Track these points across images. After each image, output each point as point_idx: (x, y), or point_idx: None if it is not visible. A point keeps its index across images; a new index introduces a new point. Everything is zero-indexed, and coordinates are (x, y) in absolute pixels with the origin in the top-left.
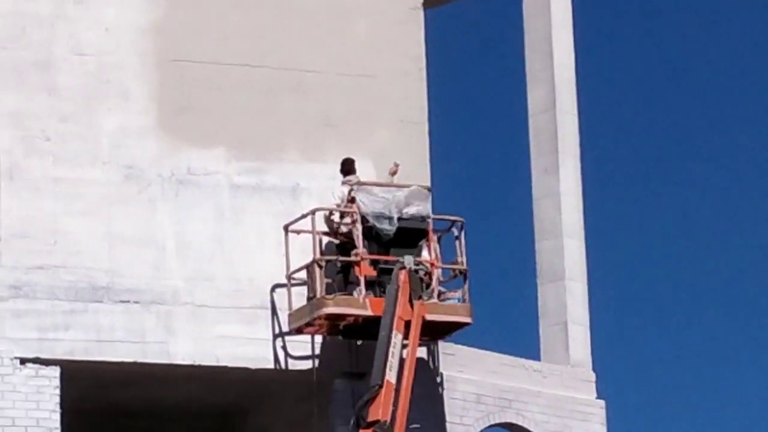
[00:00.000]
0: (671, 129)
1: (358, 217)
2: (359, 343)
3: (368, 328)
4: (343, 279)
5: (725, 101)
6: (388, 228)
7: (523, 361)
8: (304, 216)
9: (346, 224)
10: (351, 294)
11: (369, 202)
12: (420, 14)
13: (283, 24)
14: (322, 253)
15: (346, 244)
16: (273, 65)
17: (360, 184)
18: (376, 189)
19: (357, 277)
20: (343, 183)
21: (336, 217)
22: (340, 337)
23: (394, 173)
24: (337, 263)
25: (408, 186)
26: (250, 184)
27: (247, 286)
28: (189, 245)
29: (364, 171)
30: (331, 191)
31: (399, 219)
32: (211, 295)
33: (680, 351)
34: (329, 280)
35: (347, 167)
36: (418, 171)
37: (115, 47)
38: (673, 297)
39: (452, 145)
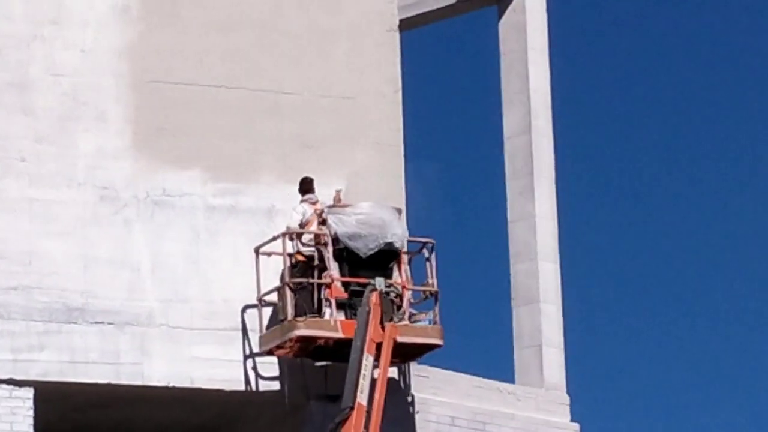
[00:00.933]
0: (647, 152)
1: (329, 239)
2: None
3: (339, 350)
4: (309, 299)
5: (703, 126)
6: (363, 248)
7: (497, 383)
8: (275, 238)
9: (309, 245)
10: (321, 315)
11: (342, 224)
12: (396, 36)
13: (260, 45)
14: (292, 275)
15: (306, 264)
16: (250, 86)
17: (332, 206)
18: (347, 210)
19: (326, 299)
20: (302, 202)
21: (302, 239)
22: (311, 359)
23: (338, 200)
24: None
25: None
26: (225, 206)
27: (222, 308)
28: (164, 267)
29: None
30: (292, 209)
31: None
32: (185, 317)
33: (655, 374)
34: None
35: (306, 186)
36: (393, 192)
37: (92, 68)
38: (648, 320)
39: (427, 167)
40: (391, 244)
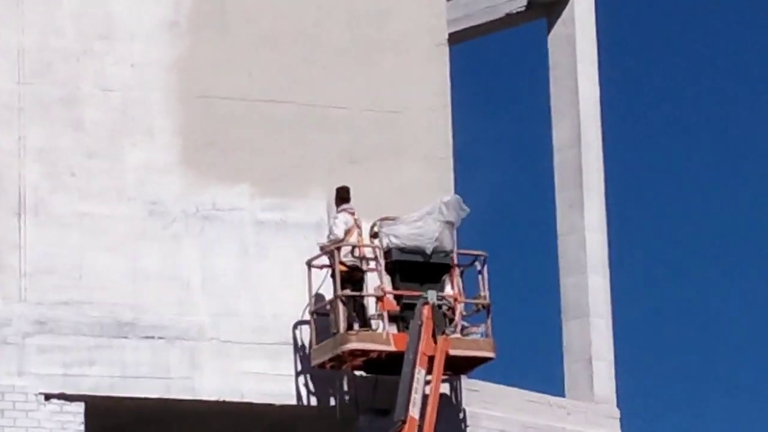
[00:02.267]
0: (698, 164)
1: (380, 252)
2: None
3: (391, 364)
4: (355, 312)
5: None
6: (420, 258)
7: (547, 397)
8: (326, 251)
9: (354, 258)
10: (372, 329)
11: (395, 237)
12: (445, 50)
13: (309, 59)
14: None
15: (349, 275)
16: (298, 101)
17: (384, 218)
18: (399, 222)
19: (378, 312)
20: (341, 211)
21: (345, 252)
22: (363, 373)
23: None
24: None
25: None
26: (274, 220)
27: (272, 322)
28: (214, 281)
29: (389, 207)
30: (333, 219)
31: (434, 252)
32: (235, 331)
33: (706, 388)
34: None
35: (344, 194)
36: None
37: (141, 83)
38: (700, 333)
39: (477, 180)
40: (443, 255)
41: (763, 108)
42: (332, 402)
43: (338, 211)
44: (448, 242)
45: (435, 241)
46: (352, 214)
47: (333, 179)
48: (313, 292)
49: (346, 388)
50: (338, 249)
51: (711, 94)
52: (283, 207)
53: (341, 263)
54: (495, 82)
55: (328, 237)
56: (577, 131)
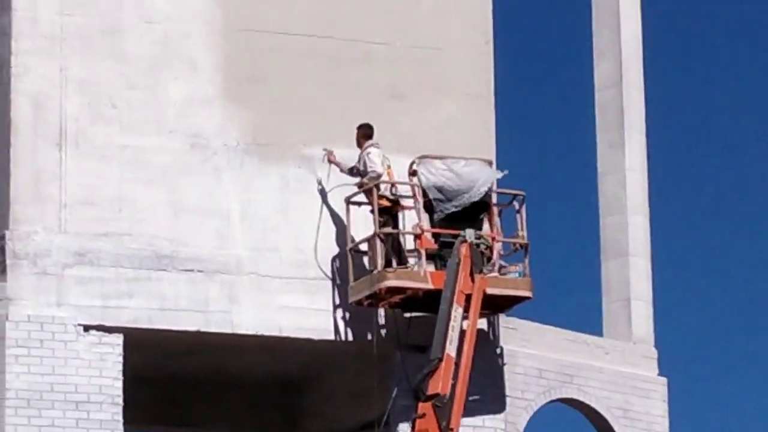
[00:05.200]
0: (740, 105)
1: (419, 190)
2: (420, 315)
3: (429, 302)
4: (393, 247)
5: None
6: (448, 205)
7: (585, 336)
8: (364, 188)
9: (393, 194)
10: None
11: (432, 175)
12: None
13: None
14: (381, 224)
15: (390, 209)
16: (339, 36)
17: (422, 157)
18: (437, 162)
19: (416, 249)
20: (371, 146)
21: (384, 188)
22: (400, 310)
23: (330, 161)
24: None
25: (470, 159)
26: (315, 155)
27: (311, 257)
28: (253, 215)
29: (428, 144)
30: (366, 155)
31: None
32: (274, 266)
33: (744, 329)
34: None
35: (369, 131)
36: (483, 144)
37: (183, 15)
38: (738, 274)
39: (518, 118)
40: (477, 201)
41: None
42: (369, 338)
43: (369, 146)
44: (487, 182)
45: (469, 184)
46: (379, 148)
47: (373, 115)
48: (351, 229)
49: (384, 324)
50: (377, 186)
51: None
52: (324, 141)
53: (383, 197)
54: (537, 20)
55: (366, 173)
56: (619, 71)
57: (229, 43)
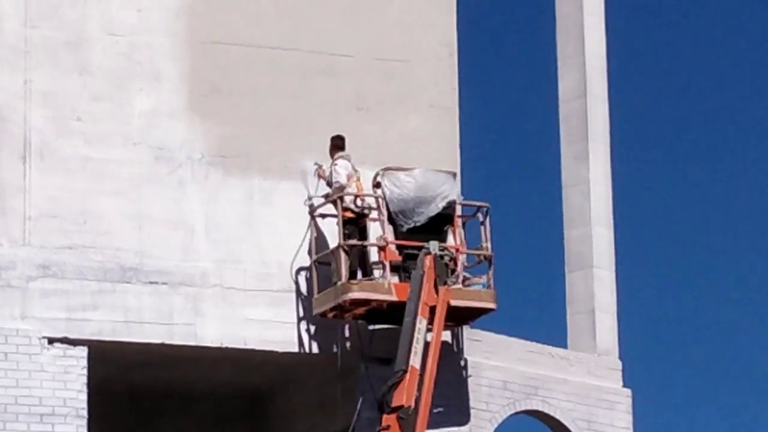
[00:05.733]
0: (703, 117)
1: (383, 202)
2: (384, 328)
3: (393, 314)
4: (358, 259)
5: (761, 87)
6: (408, 221)
7: (549, 348)
8: (329, 200)
9: (357, 206)
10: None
11: (395, 187)
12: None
13: (315, 7)
14: (344, 235)
15: (355, 221)
16: (305, 48)
17: (386, 169)
18: (401, 175)
19: (381, 261)
20: (340, 158)
21: (349, 199)
22: (364, 322)
23: (320, 176)
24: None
25: (433, 171)
26: (279, 167)
27: (276, 269)
28: (218, 227)
29: (393, 156)
30: (333, 166)
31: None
32: (239, 278)
33: (707, 340)
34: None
35: (340, 143)
36: (448, 156)
37: (147, 27)
38: (701, 286)
39: (482, 131)
40: (442, 213)
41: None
42: (334, 350)
43: (337, 158)
44: (451, 194)
45: (431, 197)
46: (349, 160)
47: (338, 127)
48: (322, 242)
49: (348, 336)
50: (341, 198)
51: (720, 44)
52: (288, 153)
53: (347, 209)
54: (501, 32)
55: (332, 185)
56: (583, 83)
57: (194, 55)
